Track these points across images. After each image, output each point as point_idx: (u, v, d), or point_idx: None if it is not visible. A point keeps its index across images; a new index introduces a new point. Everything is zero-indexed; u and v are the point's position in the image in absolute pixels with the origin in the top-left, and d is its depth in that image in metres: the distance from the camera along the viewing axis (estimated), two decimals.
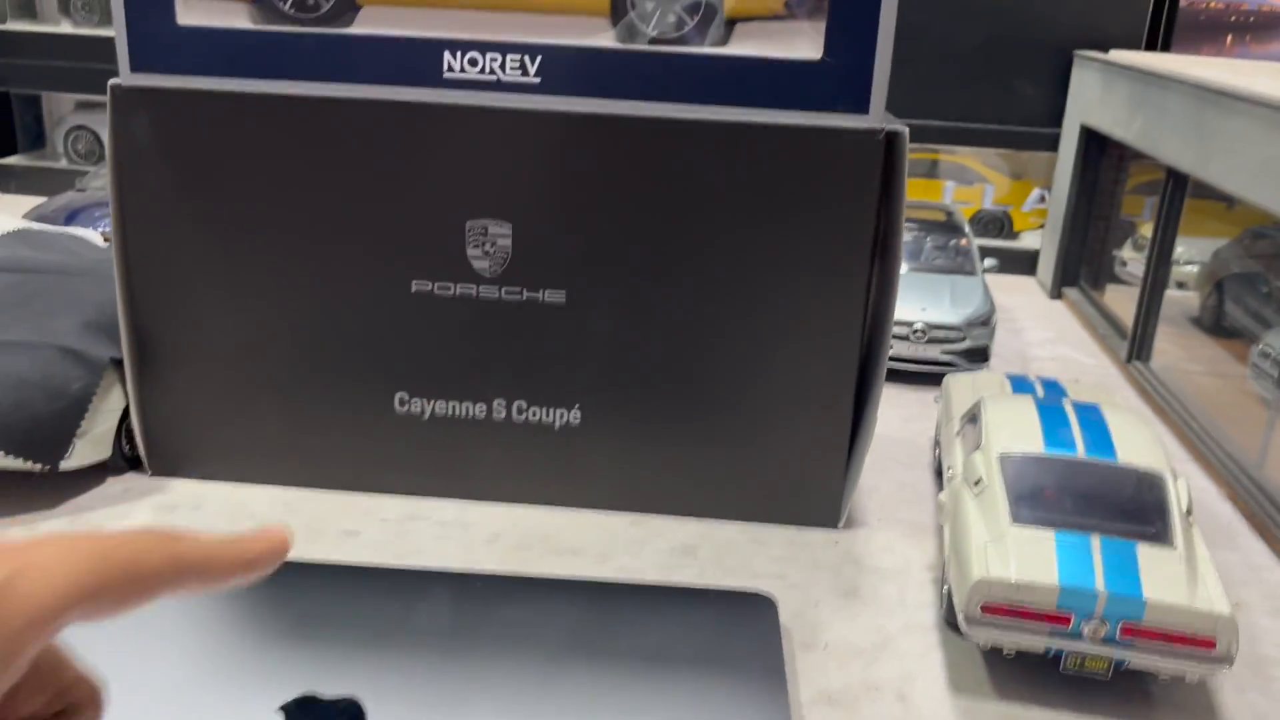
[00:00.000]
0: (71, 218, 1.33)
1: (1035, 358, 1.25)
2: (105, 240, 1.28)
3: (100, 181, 1.48)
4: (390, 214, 0.76)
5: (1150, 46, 1.50)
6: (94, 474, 0.82)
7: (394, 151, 0.74)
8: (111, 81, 0.74)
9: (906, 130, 0.71)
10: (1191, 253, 1.31)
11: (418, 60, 0.72)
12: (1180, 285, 1.31)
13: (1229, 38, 1.47)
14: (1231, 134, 0.93)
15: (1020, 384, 0.92)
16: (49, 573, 0.21)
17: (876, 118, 0.70)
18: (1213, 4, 1.46)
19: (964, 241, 1.27)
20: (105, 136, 0.77)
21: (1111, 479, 0.68)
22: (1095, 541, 0.63)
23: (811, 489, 0.81)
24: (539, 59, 0.71)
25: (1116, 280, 1.44)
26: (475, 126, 0.73)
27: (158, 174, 0.76)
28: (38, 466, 0.77)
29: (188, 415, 0.83)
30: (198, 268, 0.79)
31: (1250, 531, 0.85)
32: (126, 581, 0.23)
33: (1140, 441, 0.72)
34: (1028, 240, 1.63)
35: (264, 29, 0.73)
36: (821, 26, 0.70)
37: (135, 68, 0.73)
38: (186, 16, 0.72)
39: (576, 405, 0.80)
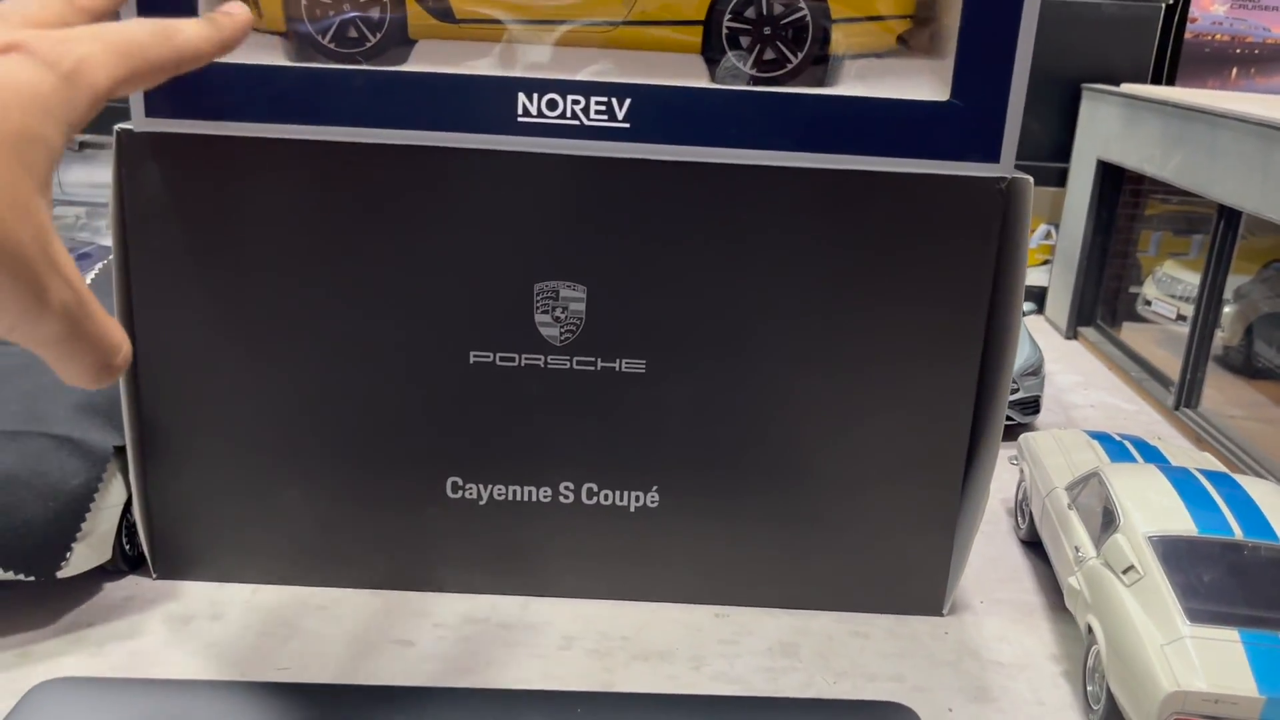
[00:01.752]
0: None
1: (1073, 405, 1.20)
2: None
3: (65, 223, 1.35)
4: (447, 277, 0.66)
5: (1155, 80, 1.47)
6: (91, 579, 0.71)
7: (454, 206, 0.65)
8: (119, 126, 0.63)
9: (1031, 179, 0.65)
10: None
11: (487, 102, 0.62)
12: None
13: (1234, 71, 1.45)
14: None
15: (1110, 444, 0.86)
16: (102, 63, 0.37)
17: (1007, 166, 0.63)
18: (1218, 37, 1.44)
19: None
20: (110, 183, 0.66)
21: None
22: None
23: (913, 573, 0.73)
24: (628, 101, 0.62)
25: (1135, 318, 1.40)
26: (552, 177, 0.64)
27: (171, 232, 0.66)
28: (30, 579, 0.65)
29: (200, 508, 0.71)
30: (215, 340, 0.68)
31: None
32: (147, 70, 0.40)
33: None
34: (1033, 277, 1.58)
35: (303, 65, 0.63)
36: (942, 64, 0.63)
37: (151, 112, 0.62)
38: None
39: (654, 487, 0.71)
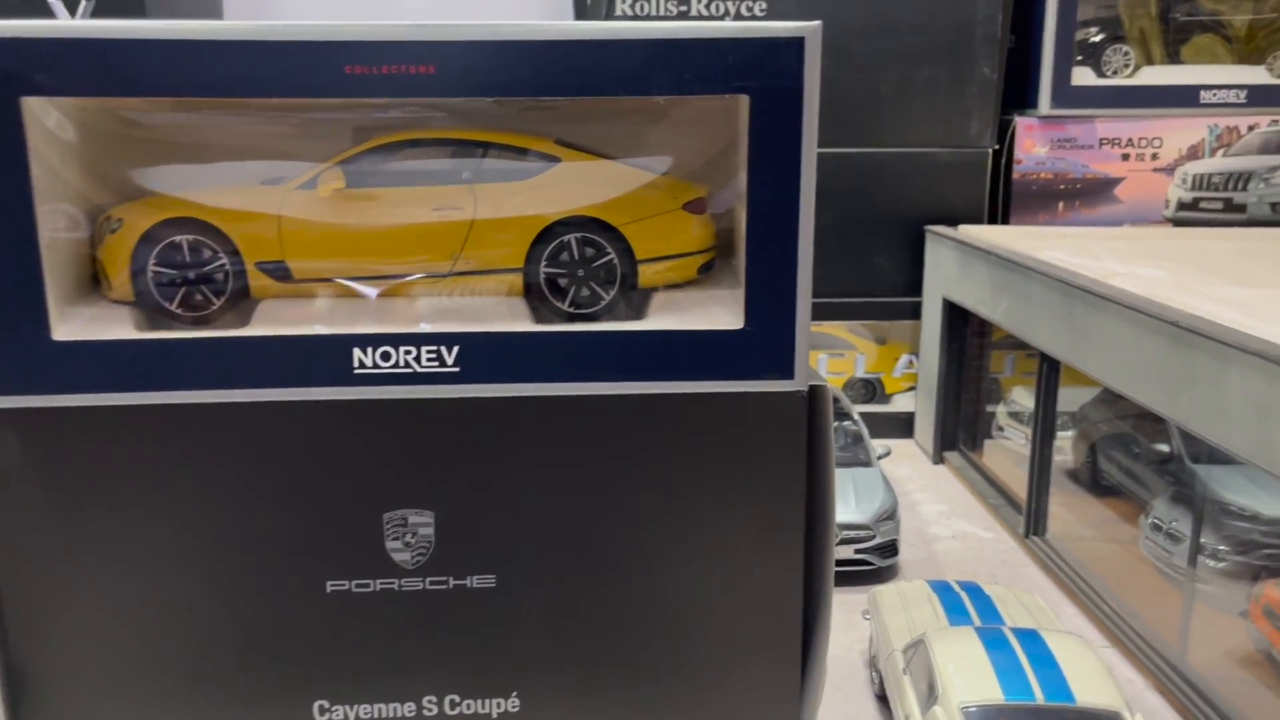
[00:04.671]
0: None
1: (936, 537, 1.27)
2: None
3: None
4: (299, 516, 0.71)
5: (992, 218, 1.59)
6: None
7: (301, 452, 0.70)
8: None
9: (829, 384, 0.72)
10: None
11: (324, 359, 0.68)
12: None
13: (1060, 205, 1.58)
14: (1105, 332, 0.99)
15: (945, 593, 0.92)
16: None
17: (801, 380, 0.70)
18: (1043, 175, 1.57)
19: (853, 427, 1.29)
20: None
21: None
22: None
23: None
24: (456, 348, 0.68)
25: (993, 441, 1.49)
26: (390, 419, 0.69)
27: (29, 497, 0.69)
28: None
29: None
30: (79, 589, 0.71)
31: None
32: None
33: (1091, 674, 0.72)
34: (900, 403, 1.68)
35: (151, 337, 0.68)
36: (738, 293, 0.70)
37: (4, 391, 0.66)
38: (62, 330, 0.67)
39: (514, 692, 0.75)
